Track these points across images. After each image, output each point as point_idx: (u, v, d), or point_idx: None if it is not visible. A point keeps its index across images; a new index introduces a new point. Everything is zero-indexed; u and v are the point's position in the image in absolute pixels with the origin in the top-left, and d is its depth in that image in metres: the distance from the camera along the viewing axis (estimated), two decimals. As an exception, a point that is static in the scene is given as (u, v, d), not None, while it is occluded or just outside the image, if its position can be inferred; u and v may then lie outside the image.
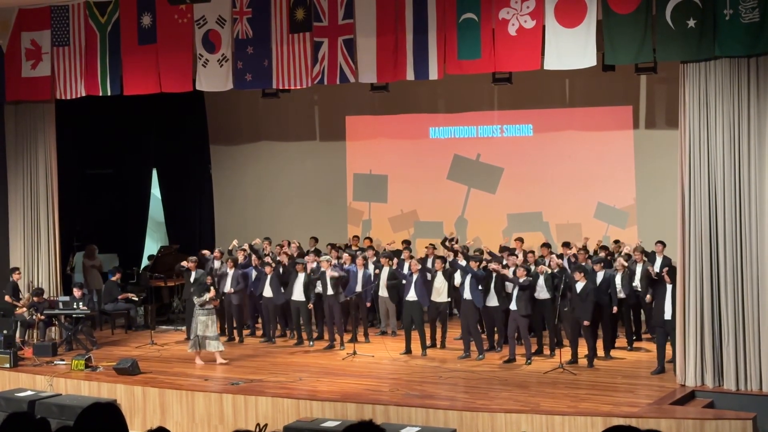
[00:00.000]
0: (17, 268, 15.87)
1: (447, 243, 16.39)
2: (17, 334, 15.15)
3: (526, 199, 17.60)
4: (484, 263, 14.05)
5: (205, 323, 13.75)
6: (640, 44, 11.79)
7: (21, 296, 15.60)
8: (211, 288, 14.02)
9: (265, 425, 11.17)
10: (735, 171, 11.50)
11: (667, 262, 14.31)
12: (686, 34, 11.40)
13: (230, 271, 15.54)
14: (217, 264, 16.05)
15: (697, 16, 11.32)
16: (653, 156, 16.47)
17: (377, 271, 15.41)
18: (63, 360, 14.12)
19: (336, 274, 14.72)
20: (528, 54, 12.47)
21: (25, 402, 11.82)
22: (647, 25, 11.71)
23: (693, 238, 11.70)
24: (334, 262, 15.27)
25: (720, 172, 11.55)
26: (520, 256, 15.00)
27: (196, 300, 13.96)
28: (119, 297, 16.73)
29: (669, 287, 12.41)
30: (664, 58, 12.03)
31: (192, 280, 15.71)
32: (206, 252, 16.44)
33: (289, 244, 16.90)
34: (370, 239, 17.68)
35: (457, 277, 14.31)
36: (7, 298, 15.63)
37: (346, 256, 15.64)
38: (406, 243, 16.77)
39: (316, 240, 17.52)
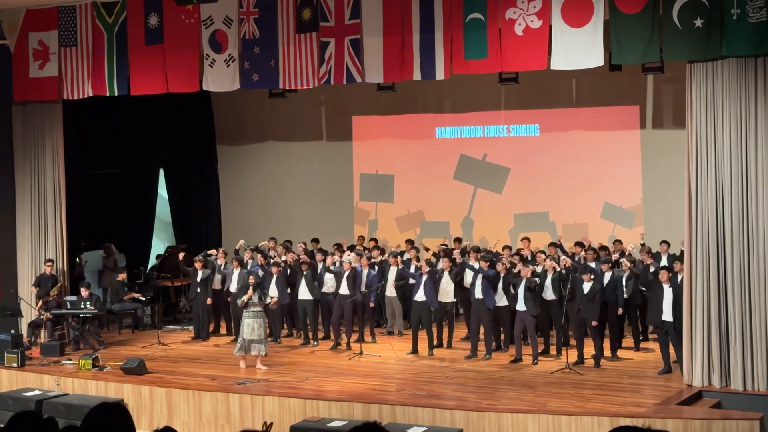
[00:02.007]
0: (51, 260, 15.86)
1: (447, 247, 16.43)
2: (25, 334, 15.20)
3: (533, 199, 17.59)
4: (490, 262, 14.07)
5: (250, 326, 13.34)
6: (647, 44, 11.77)
7: (57, 282, 15.65)
8: (250, 289, 13.48)
9: (271, 423, 11.18)
10: (742, 170, 11.48)
11: (673, 260, 14.31)
12: (693, 33, 11.38)
13: (236, 271, 15.56)
14: (220, 263, 16.09)
15: (704, 16, 11.30)
16: (660, 156, 16.44)
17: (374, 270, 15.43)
18: (70, 359, 14.15)
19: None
20: (535, 54, 12.45)
21: (32, 401, 11.85)
22: (654, 25, 11.69)
23: (700, 238, 11.68)
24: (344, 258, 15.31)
25: (727, 172, 11.53)
26: (527, 254, 15.05)
27: (237, 302, 13.81)
28: (125, 297, 16.75)
29: (666, 288, 12.40)
30: (671, 58, 12.01)
31: (198, 279, 15.77)
32: (213, 251, 16.44)
33: (288, 248, 16.84)
34: (376, 240, 17.66)
35: (467, 278, 14.32)
36: (32, 289, 15.64)
37: (353, 255, 15.66)
38: (410, 242, 16.75)
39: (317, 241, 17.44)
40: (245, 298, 13.43)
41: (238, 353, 13.51)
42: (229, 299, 15.77)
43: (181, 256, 16.38)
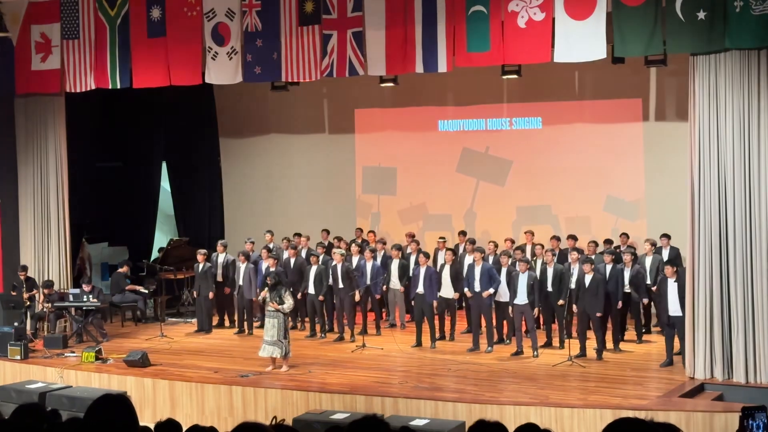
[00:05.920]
0: (25, 266, 15.90)
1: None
2: (28, 327, 15.22)
3: (535, 192, 17.56)
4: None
5: (266, 326, 12.93)
6: (649, 36, 11.75)
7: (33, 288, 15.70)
8: (265, 289, 13.05)
9: (283, 420, 11.19)
10: (745, 163, 11.47)
11: (675, 253, 14.30)
12: (696, 26, 11.36)
13: (242, 265, 15.60)
14: (221, 258, 16.10)
15: (707, 8, 11.28)
16: (663, 148, 16.41)
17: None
18: (73, 352, 14.17)
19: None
20: (537, 46, 12.44)
21: (35, 394, 11.89)
22: (657, 17, 11.67)
23: (703, 231, 11.68)
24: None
25: (730, 165, 11.52)
26: (529, 249, 15.06)
27: (259, 299, 13.54)
28: (126, 288, 16.74)
29: (671, 282, 12.39)
30: (674, 51, 12.00)
31: (200, 272, 15.78)
32: (202, 251, 16.27)
33: (290, 241, 16.86)
34: (374, 233, 17.59)
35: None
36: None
37: (354, 248, 15.68)
38: (411, 236, 16.73)
39: (327, 232, 17.44)
40: (261, 296, 13.19)
41: (261, 354, 13.05)
42: (227, 291, 15.88)
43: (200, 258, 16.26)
